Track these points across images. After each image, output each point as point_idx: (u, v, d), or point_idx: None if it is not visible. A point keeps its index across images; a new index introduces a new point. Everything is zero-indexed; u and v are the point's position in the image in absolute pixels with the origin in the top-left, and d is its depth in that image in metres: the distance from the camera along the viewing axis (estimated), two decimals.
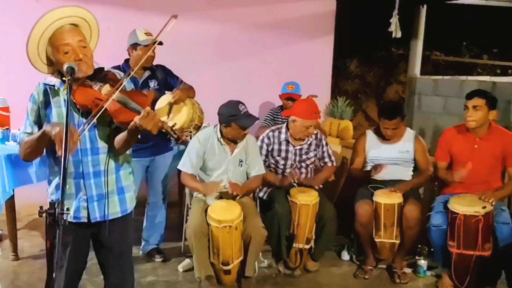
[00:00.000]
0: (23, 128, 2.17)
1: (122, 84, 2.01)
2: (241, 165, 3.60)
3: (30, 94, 2.15)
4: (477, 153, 3.49)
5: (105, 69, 2.16)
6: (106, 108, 1.98)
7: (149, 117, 1.92)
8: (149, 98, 3.47)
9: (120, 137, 2.08)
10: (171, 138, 2.06)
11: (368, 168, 3.85)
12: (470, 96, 3.48)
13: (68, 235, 2.10)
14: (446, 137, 3.67)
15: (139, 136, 2.05)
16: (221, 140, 3.52)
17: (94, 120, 1.96)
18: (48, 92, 2.10)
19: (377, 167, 3.71)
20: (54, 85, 2.10)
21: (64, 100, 2.08)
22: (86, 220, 2.17)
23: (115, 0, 4.68)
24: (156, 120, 1.94)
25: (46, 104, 2.10)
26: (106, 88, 2.03)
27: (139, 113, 1.94)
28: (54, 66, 2.09)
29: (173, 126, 2.03)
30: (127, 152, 2.24)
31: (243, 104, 3.44)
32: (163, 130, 1.99)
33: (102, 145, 2.13)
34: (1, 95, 3.94)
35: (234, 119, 3.38)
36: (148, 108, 1.95)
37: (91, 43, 2.13)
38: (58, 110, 2.09)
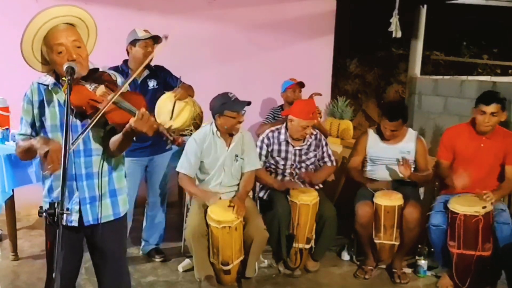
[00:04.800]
0: (19, 129, 2.15)
1: (122, 88, 1.95)
2: (237, 160, 3.58)
3: None
4: (483, 152, 3.49)
5: (100, 70, 2.10)
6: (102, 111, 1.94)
7: (144, 119, 1.87)
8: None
9: (115, 139, 2.04)
10: (167, 140, 2.03)
11: (367, 168, 3.86)
12: (488, 101, 3.35)
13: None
14: (449, 135, 3.66)
15: (134, 139, 2.02)
16: (217, 133, 3.51)
17: (92, 124, 1.91)
18: (42, 92, 2.07)
19: (374, 182, 3.75)
20: (48, 85, 2.07)
21: (58, 100, 2.05)
22: (76, 224, 2.12)
23: (115, 0, 4.68)
24: (151, 122, 1.89)
25: (40, 103, 2.07)
26: (101, 89, 1.99)
27: (134, 114, 1.90)
28: (49, 65, 2.05)
29: (169, 128, 1.99)
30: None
31: (231, 92, 3.48)
32: (160, 132, 1.95)
33: (95, 147, 2.10)
34: (1, 95, 3.94)
35: (225, 106, 3.40)
36: (143, 109, 1.90)
37: (89, 43, 2.08)
38: (52, 110, 2.06)
